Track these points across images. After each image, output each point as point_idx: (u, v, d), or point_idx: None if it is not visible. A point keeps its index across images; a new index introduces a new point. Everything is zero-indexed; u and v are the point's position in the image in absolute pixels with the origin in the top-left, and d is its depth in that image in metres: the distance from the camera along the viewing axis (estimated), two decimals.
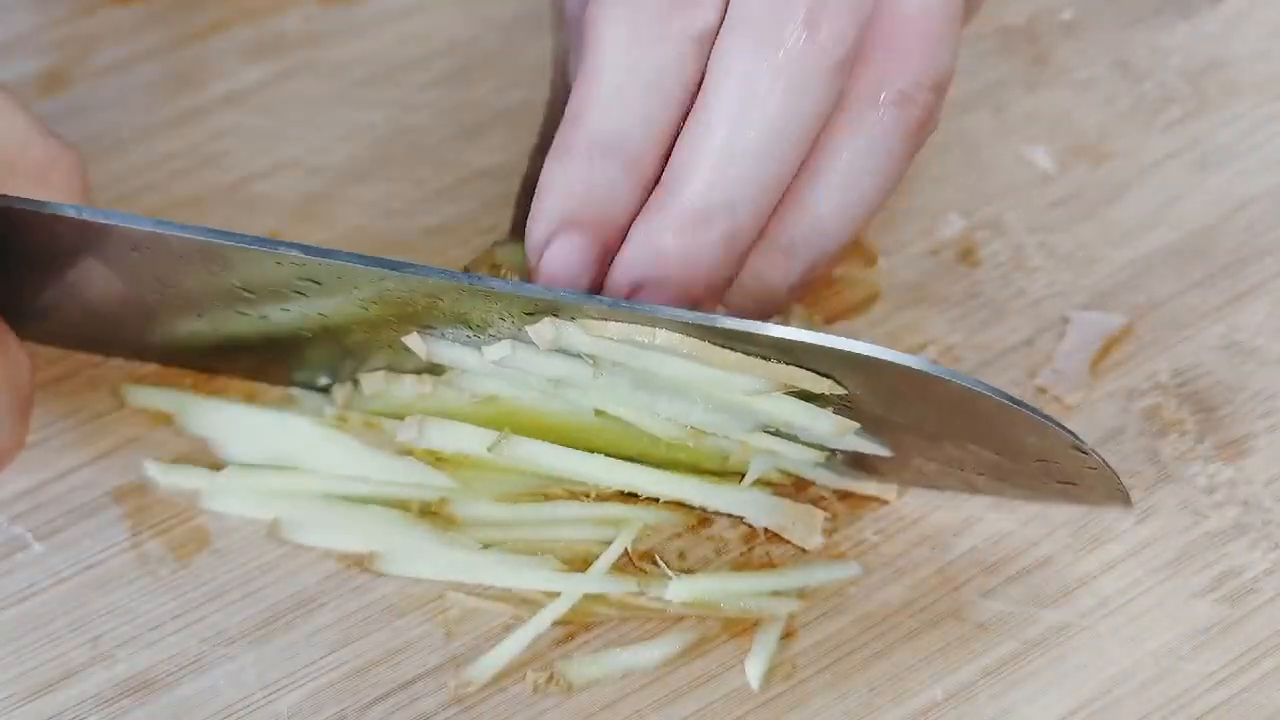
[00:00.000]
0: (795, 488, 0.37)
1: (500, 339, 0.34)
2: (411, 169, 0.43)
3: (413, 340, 0.35)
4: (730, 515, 0.37)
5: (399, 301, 0.33)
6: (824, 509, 0.37)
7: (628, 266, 0.33)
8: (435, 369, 0.36)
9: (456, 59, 0.45)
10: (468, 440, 0.35)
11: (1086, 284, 0.41)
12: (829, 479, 0.37)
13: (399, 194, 0.43)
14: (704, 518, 0.37)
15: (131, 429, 0.38)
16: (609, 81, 0.33)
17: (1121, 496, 0.36)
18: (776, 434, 0.35)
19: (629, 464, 0.36)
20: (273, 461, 0.37)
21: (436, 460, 0.36)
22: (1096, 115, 0.45)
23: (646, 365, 0.33)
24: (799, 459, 0.36)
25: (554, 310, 0.32)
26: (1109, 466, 0.34)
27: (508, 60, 0.45)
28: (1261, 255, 0.42)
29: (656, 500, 0.36)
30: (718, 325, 0.32)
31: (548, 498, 0.37)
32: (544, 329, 0.33)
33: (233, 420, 0.38)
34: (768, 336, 0.32)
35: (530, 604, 0.35)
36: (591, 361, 0.33)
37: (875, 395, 0.33)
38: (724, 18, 0.32)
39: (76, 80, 0.44)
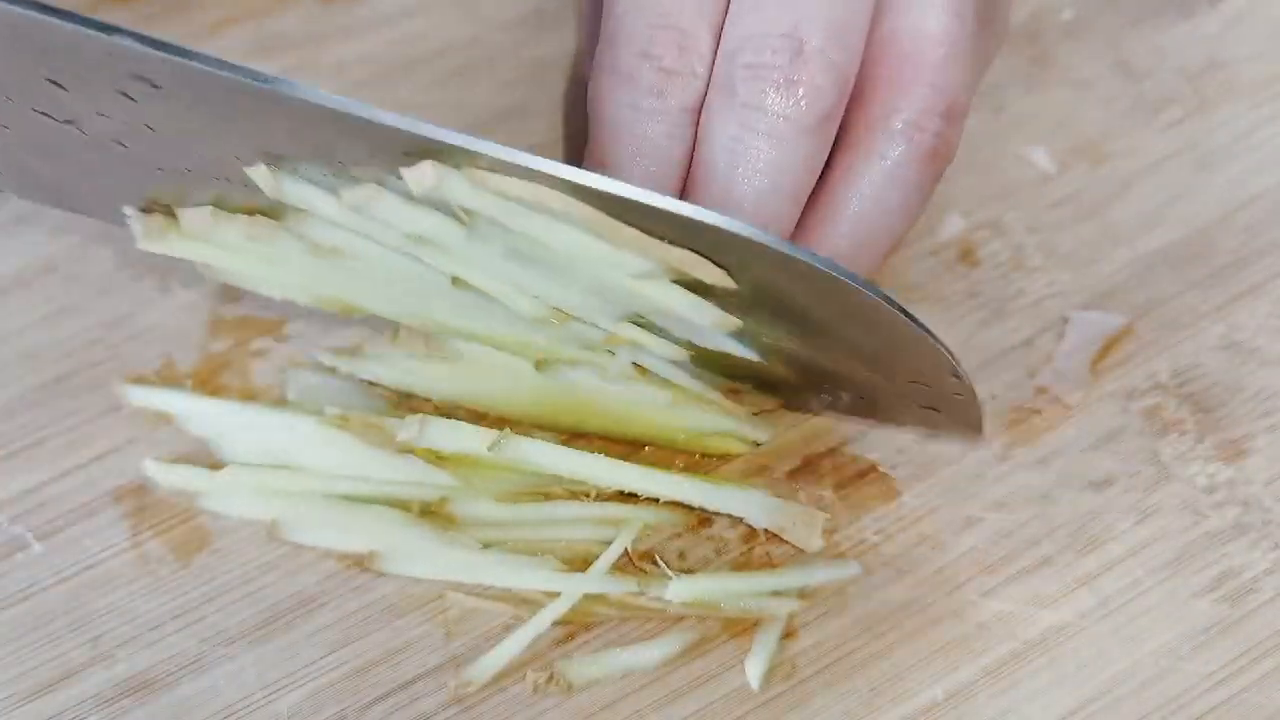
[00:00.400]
0: (793, 487, 0.37)
1: (364, 182, 0.31)
2: None
3: (258, 173, 0.31)
4: (730, 515, 0.37)
5: (253, 124, 0.29)
6: (824, 509, 0.37)
7: None
8: (272, 210, 0.32)
9: (456, 59, 0.45)
10: (468, 440, 0.35)
11: (1086, 284, 0.41)
12: (689, 383, 0.36)
13: None
14: (704, 518, 0.37)
15: (131, 429, 0.38)
16: (614, 155, 0.34)
17: (976, 426, 0.36)
18: (644, 327, 0.34)
19: (629, 465, 0.36)
20: (272, 461, 0.37)
21: (437, 459, 0.36)
22: (1096, 115, 0.45)
23: (531, 231, 0.31)
24: (664, 354, 0.35)
25: (437, 154, 0.30)
26: (975, 395, 0.34)
27: (508, 60, 0.45)
28: (1261, 255, 0.42)
29: (656, 500, 0.36)
30: (619, 195, 0.31)
31: (548, 497, 0.37)
32: (423, 173, 0.30)
33: (232, 420, 0.38)
34: (670, 213, 0.31)
35: (530, 604, 0.35)
36: (466, 219, 0.31)
37: (761, 293, 0.33)
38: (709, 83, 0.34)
39: None
